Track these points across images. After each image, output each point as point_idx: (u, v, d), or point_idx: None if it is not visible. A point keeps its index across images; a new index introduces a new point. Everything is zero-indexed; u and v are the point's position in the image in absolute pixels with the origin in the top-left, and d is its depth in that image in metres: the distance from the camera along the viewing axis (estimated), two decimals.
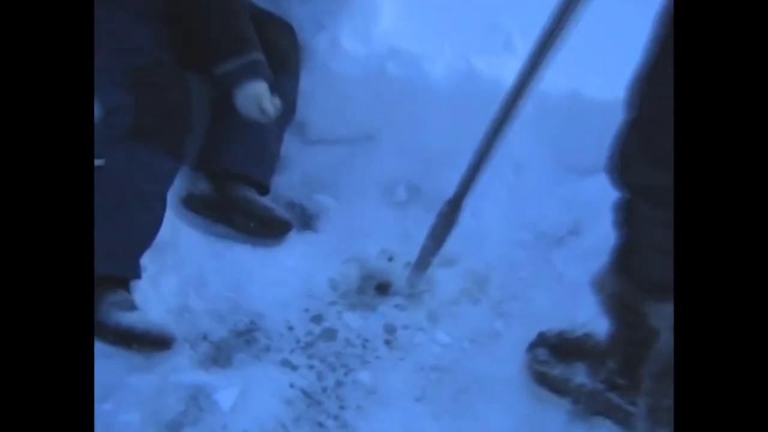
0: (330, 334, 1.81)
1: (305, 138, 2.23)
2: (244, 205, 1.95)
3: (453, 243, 1.97)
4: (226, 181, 1.97)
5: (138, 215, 1.73)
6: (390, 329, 1.82)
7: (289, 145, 2.18)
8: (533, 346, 1.73)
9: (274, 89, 1.86)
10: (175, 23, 1.83)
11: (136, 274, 1.75)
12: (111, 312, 1.69)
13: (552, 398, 1.66)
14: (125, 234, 1.72)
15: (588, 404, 1.60)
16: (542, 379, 1.68)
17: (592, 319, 1.74)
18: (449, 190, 2.13)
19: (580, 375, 1.63)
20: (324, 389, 1.70)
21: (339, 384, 1.71)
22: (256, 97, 1.82)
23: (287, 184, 2.15)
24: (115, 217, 1.70)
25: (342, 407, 1.66)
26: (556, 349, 1.70)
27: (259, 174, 2.00)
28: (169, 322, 1.78)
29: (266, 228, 1.95)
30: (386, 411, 1.66)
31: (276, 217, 1.96)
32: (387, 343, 1.80)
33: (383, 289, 1.91)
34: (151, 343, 1.70)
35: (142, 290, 1.80)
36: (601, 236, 2.01)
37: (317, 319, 1.84)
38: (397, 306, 1.88)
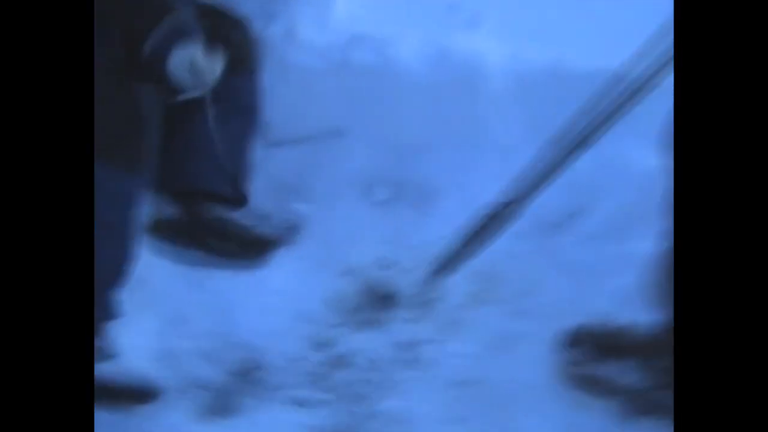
0: (340, 362, 1.62)
1: (268, 139, 2.00)
2: (220, 227, 1.72)
3: (451, 240, 1.83)
4: (195, 200, 1.73)
5: (105, 247, 1.46)
6: (404, 347, 1.65)
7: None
8: (565, 346, 1.61)
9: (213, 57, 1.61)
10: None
11: (110, 316, 1.50)
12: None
13: (594, 401, 1.54)
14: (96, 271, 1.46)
15: (637, 405, 1.49)
16: (582, 382, 1.56)
17: (615, 308, 1.65)
18: (432, 183, 1.98)
19: (625, 373, 1.51)
20: (349, 427, 1.51)
21: (364, 418, 1.53)
22: (186, 61, 1.52)
23: (255, 193, 1.92)
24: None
25: None
26: (592, 347, 1.58)
27: (230, 187, 1.77)
28: (152, 369, 1.54)
29: (247, 250, 1.73)
30: None
31: (257, 237, 1.74)
32: (404, 363, 1.62)
33: (387, 302, 1.73)
34: (134, 397, 1.46)
35: (116, 334, 1.56)
36: (603, 216, 1.92)
37: (322, 345, 1.64)
38: (406, 320, 1.70)
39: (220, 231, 1.72)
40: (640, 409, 1.48)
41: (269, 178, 1.96)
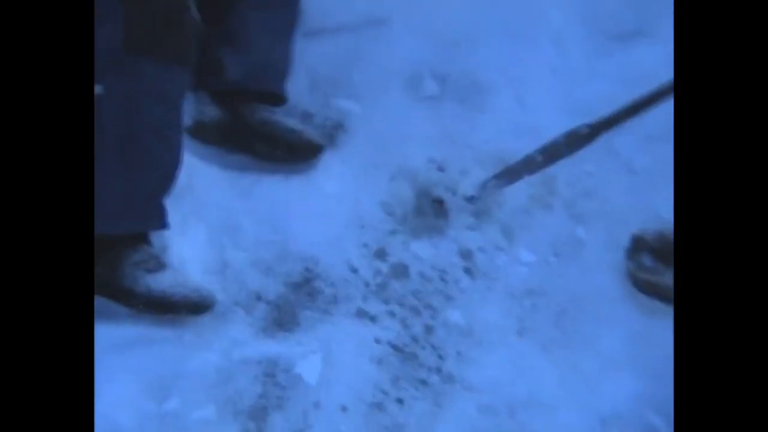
0: (401, 271, 1.55)
1: (304, 29, 1.84)
2: (267, 131, 1.60)
3: (505, 140, 1.73)
4: (238, 101, 1.61)
5: (154, 148, 1.36)
6: (466, 254, 1.58)
7: None
8: (632, 251, 1.56)
9: None
10: None
11: (163, 224, 1.41)
12: (137, 275, 1.37)
13: (663, 308, 1.51)
14: (141, 175, 1.36)
15: None
16: (651, 289, 1.52)
17: None
18: (481, 75, 1.86)
19: None
20: (414, 339, 1.47)
21: (429, 330, 1.48)
22: None
23: (294, 89, 1.79)
24: (126, 155, 1.33)
25: (440, 357, 1.45)
26: (660, 253, 1.53)
27: (274, 83, 1.64)
28: (206, 281, 1.47)
29: (295, 154, 1.63)
30: (489, 353, 1.46)
31: (306, 140, 1.63)
32: (467, 271, 1.56)
33: (440, 205, 1.65)
34: (191, 308, 1.40)
35: (166, 246, 1.48)
36: (663, 115, 1.82)
37: (381, 253, 1.57)
38: (467, 226, 1.63)
39: (269, 137, 1.60)
40: None
41: (307, 71, 1.82)
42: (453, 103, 1.81)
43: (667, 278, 1.51)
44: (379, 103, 1.79)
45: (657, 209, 1.65)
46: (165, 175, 1.38)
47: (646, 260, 1.53)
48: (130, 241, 1.36)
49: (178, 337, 1.40)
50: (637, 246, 1.56)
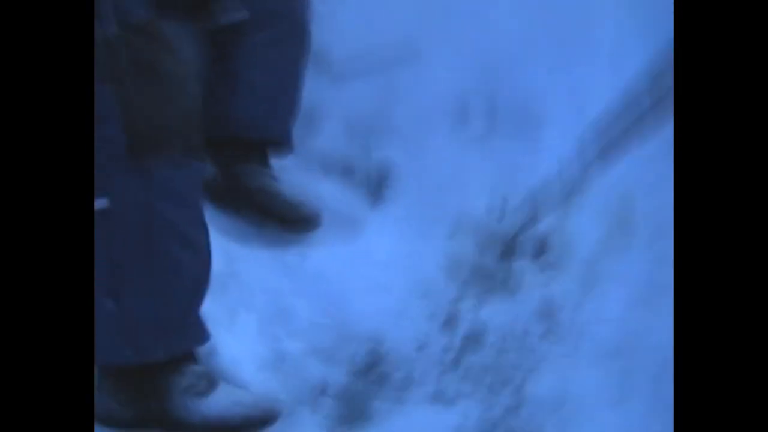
0: (471, 342, 1.40)
1: (332, 74, 1.69)
2: (261, 200, 1.46)
3: None
4: (237, 157, 1.46)
5: (180, 257, 1.19)
6: (542, 314, 1.43)
7: (315, 88, 1.64)
8: None
9: None
10: None
11: (205, 338, 1.26)
12: (188, 402, 1.22)
13: None
14: (171, 290, 1.20)
15: None
16: None
17: None
18: (533, 104, 1.69)
19: None
20: (503, 419, 1.32)
21: (516, 406, 1.33)
22: None
23: (329, 141, 1.64)
24: (151, 271, 1.17)
25: None
26: None
27: (280, 129, 1.48)
28: (265, 381, 1.33)
29: (287, 228, 1.47)
30: (589, 425, 1.31)
31: (303, 216, 1.47)
32: (545, 334, 1.41)
33: (510, 258, 1.49)
34: (255, 427, 1.26)
35: (214, 348, 1.34)
36: None
37: (450, 324, 1.42)
38: (535, 281, 1.47)
39: (260, 205, 1.46)
40: None
41: (341, 120, 1.67)
42: (506, 137, 1.64)
43: None
44: (424, 146, 1.63)
45: None
46: (197, 284, 1.22)
47: None
48: (174, 366, 1.22)
49: None
50: None
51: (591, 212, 1.53)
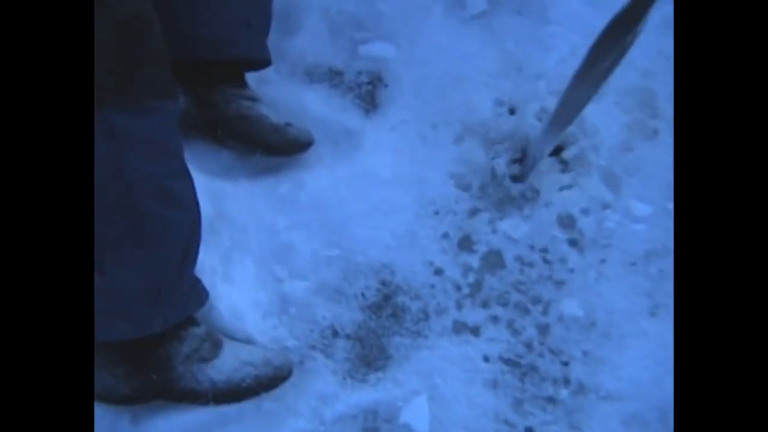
0: (495, 260, 1.28)
1: None
2: (245, 128, 1.27)
3: None
4: (208, 80, 1.27)
5: (163, 214, 1.03)
6: (568, 221, 1.30)
7: None
8: None
9: None
10: None
11: (202, 299, 1.14)
12: (195, 370, 1.12)
13: None
14: (161, 252, 1.05)
15: None
16: None
17: None
18: None
19: None
20: (528, 346, 1.22)
21: (543, 330, 1.23)
22: None
23: (312, 43, 1.44)
24: (134, 235, 1.02)
25: (565, 363, 1.21)
26: None
27: (254, 45, 1.27)
28: (273, 329, 1.23)
29: (276, 154, 1.31)
30: (622, 347, 1.22)
31: (292, 139, 1.29)
32: (573, 244, 1.29)
33: (522, 161, 1.34)
34: (269, 386, 1.17)
35: (213, 302, 1.21)
36: None
37: (466, 243, 1.29)
38: (561, 185, 1.32)
39: (245, 133, 1.28)
40: None
41: (324, 17, 1.46)
42: (510, 13, 1.44)
43: None
44: (417, 34, 1.43)
45: None
46: (187, 242, 1.07)
47: None
48: (173, 333, 1.10)
49: (256, 409, 1.17)
50: None
51: (611, 99, 1.36)
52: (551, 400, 1.19)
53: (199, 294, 1.11)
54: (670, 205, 1.30)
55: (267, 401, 1.18)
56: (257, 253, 1.26)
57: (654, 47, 1.37)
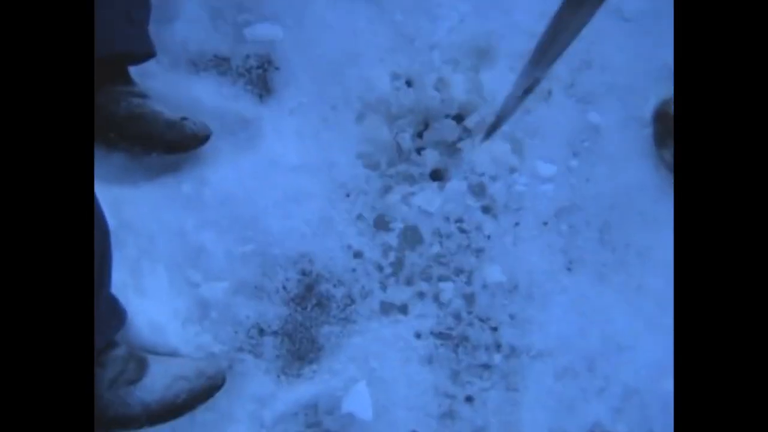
0: (413, 236, 1.27)
1: None
2: (139, 129, 1.19)
3: (476, 23, 1.40)
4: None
5: None
6: (478, 189, 1.31)
7: None
8: (659, 134, 1.33)
9: None
10: None
11: (122, 318, 1.07)
12: (122, 394, 1.05)
13: None
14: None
15: None
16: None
17: None
18: None
19: None
20: (457, 317, 1.23)
21: (469, 299, 1.24)
22: None
23: (193, 30, 1.35)
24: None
25: (494, 329, 1.23)
26: None
27: (132, 35, 1.17)
28: (195, 335, 1.16)
29: (174, 151, 1.23)
30: (545, 305, 1.25)
31: (189, 134, 1.21)
32: (485, 210, 1.30)
33: (429, 125, 1.33)
34: (205, 397, 1.11)
35: (132, 319, 1.13)
36: None
37: (382, 222, 1.28)
38: (469, 153, 1.33)
39: (140, 134, 1.19)
40: None
41: (204, 1, 1.38)
42: None
43: None
44: (304, 16, 1.38)
45: (663, 57, 1.39)
46: (99, 258, 0.99)
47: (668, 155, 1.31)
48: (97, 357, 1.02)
49: (190, 423, 1.11)
50: (663, 124, 1.32)
51: (506, 64, 1.38)
52: (486, 366, 1.21)
53: (118, 314, 1.03)
54: (573, 163, 1.34)
55: (200, 412, 1.12)
56: (168, 260, 1.18)
57: (536, 9, 1.40)
